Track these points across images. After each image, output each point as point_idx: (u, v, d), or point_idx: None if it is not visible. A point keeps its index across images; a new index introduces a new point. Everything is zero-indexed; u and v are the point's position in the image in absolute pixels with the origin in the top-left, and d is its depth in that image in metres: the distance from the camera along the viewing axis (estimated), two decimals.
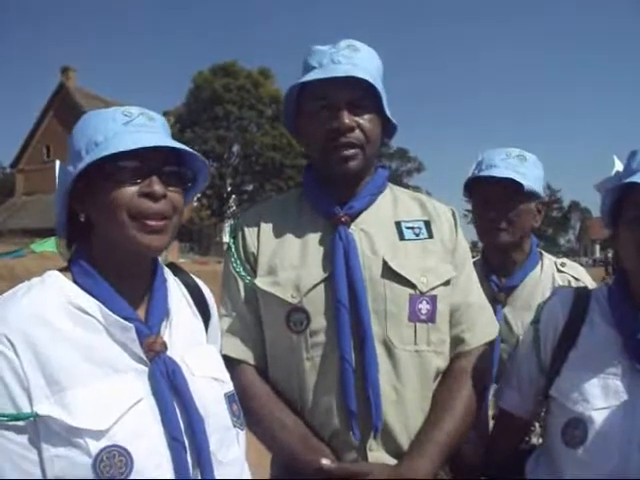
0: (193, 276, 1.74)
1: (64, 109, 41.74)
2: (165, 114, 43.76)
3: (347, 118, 1.77)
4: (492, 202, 2.38)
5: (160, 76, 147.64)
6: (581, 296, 1.81)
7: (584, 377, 1.67)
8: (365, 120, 1.81)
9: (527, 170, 2.38)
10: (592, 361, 1.69)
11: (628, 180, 1.57)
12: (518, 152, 2.42)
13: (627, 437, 1.56)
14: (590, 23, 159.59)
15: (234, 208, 43.91)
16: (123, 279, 1.44)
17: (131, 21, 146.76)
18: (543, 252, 2.58)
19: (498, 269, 2.48)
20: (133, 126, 1.40)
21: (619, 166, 1.77)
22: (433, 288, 1.82)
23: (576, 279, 2.45)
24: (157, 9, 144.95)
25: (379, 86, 1.80)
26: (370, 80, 1.75)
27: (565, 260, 2.60)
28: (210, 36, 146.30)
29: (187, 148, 1.41)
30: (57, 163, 1.48)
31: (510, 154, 2.41)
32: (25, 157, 45.55)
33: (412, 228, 1.90)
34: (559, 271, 2.49)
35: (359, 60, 1.82)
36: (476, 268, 2.47)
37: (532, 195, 2.39)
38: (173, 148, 1.39)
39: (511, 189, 2.31)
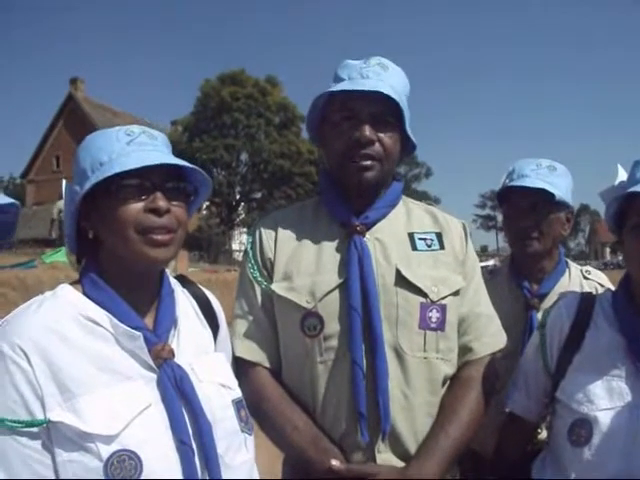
0: (202, 287, 1.78)
1: (73, 119, 42.10)
2: (173, 123, 44.07)
3: (368, 131, 1.81)
4: (524, 212, 2.42)
5: (168, 85, 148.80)
6: (586, 301, 1.84)
7: (589, 379, 1.70)
8: (386, 135, 1.85)
9: (557, 180, 2.42)
10: (597, 364, 1.72)
11: (632, 189, 1.59)
12: (549, 163, 2.47)
13: (631, 437, 1.59)
14: (603, 21, 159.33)
15: (243, 216, 43.93)
16: (132, 290, 1.48)
17: (139, 31, 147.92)
18: (568, 260, 2.61)
19: (528, 276, 2.51)
20: (136, 144, 1.44)
21: (623, 175, 1.79)
22: (443, 297, 1.86)
23: (602, 286, 2.49)
24: (164, 18, 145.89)
25: (404, 104, 1.84)
26: (395, 97, 1.79)
27: (589, 268, 2.66)
28: (217, 45, 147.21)
29: (188, 164, 1.46)
30: (63, 182, 1.53)
31: (541, 164, 2.45)
32: (35, 167, 45.88)
33: (424, 239, 1.94)
34: (585, 278, 2.55)
35: (387, 78, 1.86)
36: (503, 275, 2.52)
37: (562, 205, 2.43)
38: (175, 164, 1.44)
39: (543, 199, 2.36)
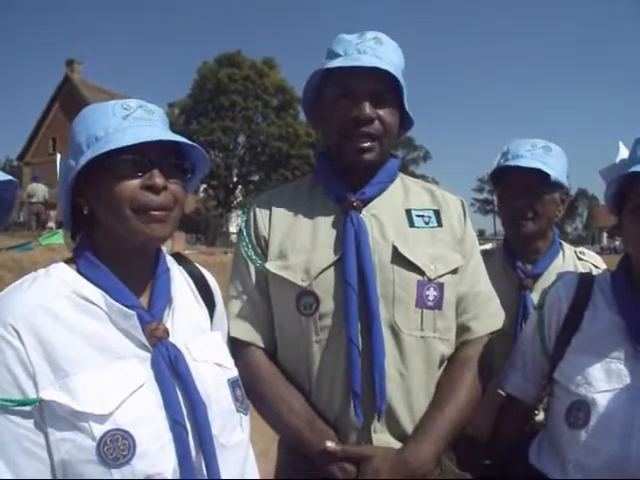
0: (198, 265, 1.76)
1: (69, 102, 41.83)
2: (170, 106, 43.84)
3: (368, 109, 1.79)
4: (518, 192, 2.41)
5: (165, 67, 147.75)
6: (585, 281, 1.83)
7: (587, 361, 1.69)
8: (385, 112, 1.82)
9: (552, 160, 2.41)
10: (595, 345, 1.71)
11: (633, 169, 1.57)
12: (544, 143, 2.45)
13: (629, 419, 1.58)
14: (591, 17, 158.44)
15: (240, 199, 43.95)
16: (127, 268, 1.46)
17: (136, 13, 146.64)
18: (562, 241, 2.61)
19: (522, 257, 2.51)
20: (133, 119, 1.41)
21: (624, 153, 1.77)
22: (441, 275, 1.84)
23: (596, 267, 2.50)
24: (161, 0, 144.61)
25: (401, 80, 1.81)
26: (394, 73, 1.77)
27: (583, 249, 2.66)
28: (214, 26, 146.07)
29: (186, 140, 1.43)
30: (58, 157, 1.50)
31: (536, 145, 2.44)
32: (31, 150, 45.78)
33: (422, 216, 1.92)
34: (580, 259, 2.55)
35: (383, 53, 1.83)
36: (497, 256, 2.52)
37: (557, 185, 2.42)
38: (173, 141, 1.41)
39: (538, 179, 2.35)
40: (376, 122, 1.81)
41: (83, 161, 1.36)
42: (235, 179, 44.42)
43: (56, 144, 42.82)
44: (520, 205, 2.41)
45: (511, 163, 2.40)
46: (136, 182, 1.39)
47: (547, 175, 2.32)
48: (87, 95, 41.85)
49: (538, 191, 2.40)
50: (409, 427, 1.78)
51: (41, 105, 46.10)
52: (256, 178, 44.96)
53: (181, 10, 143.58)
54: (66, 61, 45.13)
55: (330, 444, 1.70)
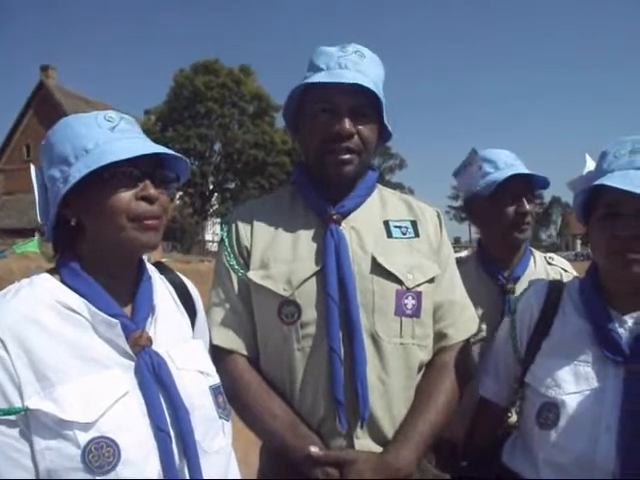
0: (179, 274, 1.78)
1: (44, 108, 41.36)
2: (146, 112, 43.59)
3: (348, 124, 1.83)
4: (521, 197, 2.45)
5: (141, 74, 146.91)
6: (554, 288, 1.89)
7: (557, 364, 1.74)
8: (364, 128, 1.86)
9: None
10: (564, 349, 1.76)
11: (598, 182, 1.63)
12: (512, 154, 2.54)
13: (596, 419, 1.63)
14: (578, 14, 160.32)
15: (216, 206, 43.77)
16: (110, 278, 1.48)
17: (112, 19, 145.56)
18: (531, 247, 2.67)
19: (499, 264, 2.55)
20: (119, 132, 1.45)
21: (591, 165, 1.83)
22: (419, 285, 1.88)
23: (565, 270, 2.57)
24: (138, 6, 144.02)
25: (381, 95, 1.85)
26: (375, 90, 1.81)
27: (552, 255, 2.72)
28: (191, 34, 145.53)
29: (177, 154, 1.49)
30: (32, 168, 1.51)
31: (513, 156, 2.53)
32: (5, 156, 45.10)
33: (399, 227, 1.96)
34: (549, 264, 2.62)
35: (365, 67, 1.87)
36: (471, 264, 2.56)
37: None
38: (166, 154, 1.47)
39: (532, 186, 2.44)
40: (355, 137, 1.85)
41: (77, 173, 1.37)
42: (211, 187, 44.23)
43: (30, 151, 42.26)
44: (525, 210, 2.43)
45: (508, 172, 2.40)
46: (130, 193, 1.42)
47: (547, 182, 2.43)
48: (62, 101, 41.46)
49: (534, 197, 2.48)
50: (389, 432, 1.82)
51: (15, 111, 45.56)
52: (232, 186, 44.85)
53: (158, 17, 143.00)
54: (41, 66, 44.59)
55: (314, 449, 1.73)
